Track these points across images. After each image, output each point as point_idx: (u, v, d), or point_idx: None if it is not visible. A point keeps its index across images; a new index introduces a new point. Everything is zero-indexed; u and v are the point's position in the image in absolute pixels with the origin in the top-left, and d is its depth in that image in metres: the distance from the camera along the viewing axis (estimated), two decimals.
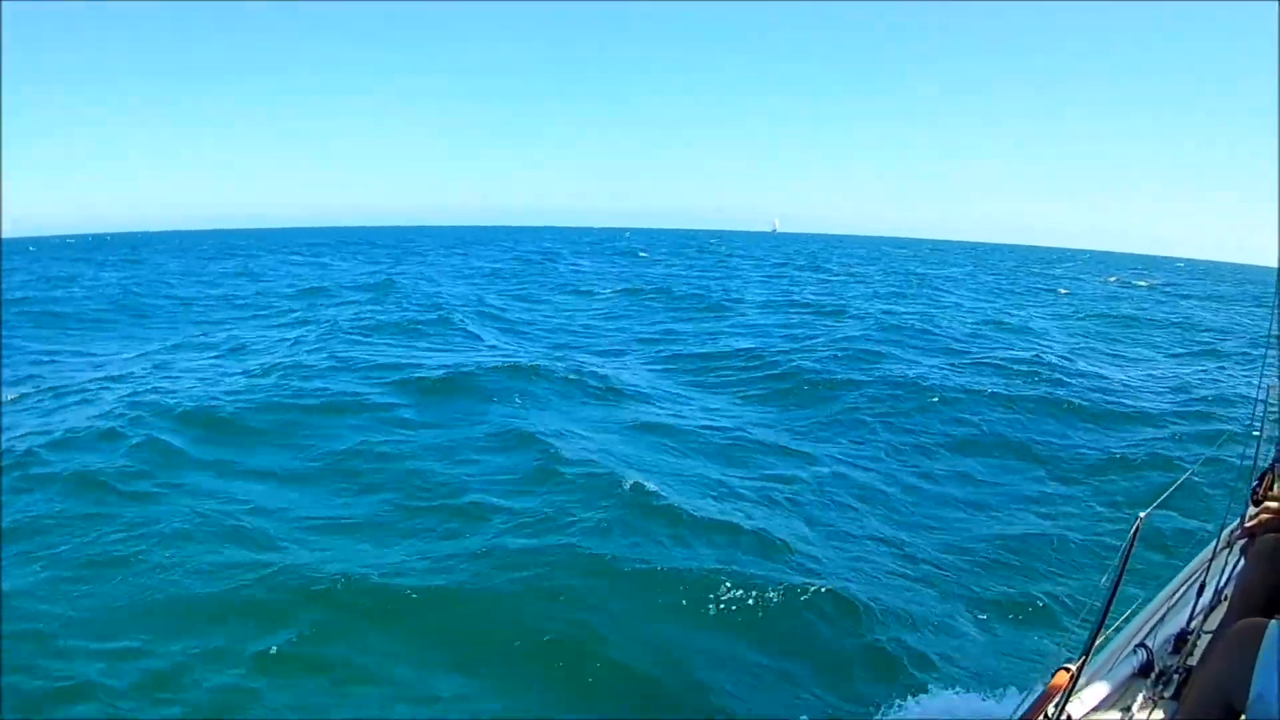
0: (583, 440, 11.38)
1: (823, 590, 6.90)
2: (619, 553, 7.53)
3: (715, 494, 9.48)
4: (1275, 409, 3.41)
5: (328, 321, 22.50)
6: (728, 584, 6.95)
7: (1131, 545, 1.89)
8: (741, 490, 9.63)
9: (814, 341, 20.95)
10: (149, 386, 14.37)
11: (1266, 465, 3.34)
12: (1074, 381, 16.44)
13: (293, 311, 26.67)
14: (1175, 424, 13.73)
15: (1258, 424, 3.27)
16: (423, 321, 22.24)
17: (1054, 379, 16.52)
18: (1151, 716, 2.39)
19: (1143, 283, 49.64)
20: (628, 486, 8.95)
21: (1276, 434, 3.52)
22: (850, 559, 7.91)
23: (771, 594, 6.86)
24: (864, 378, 16.10)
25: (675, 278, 43.86)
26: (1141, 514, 1.93)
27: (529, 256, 63.93)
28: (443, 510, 8.77)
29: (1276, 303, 3.62)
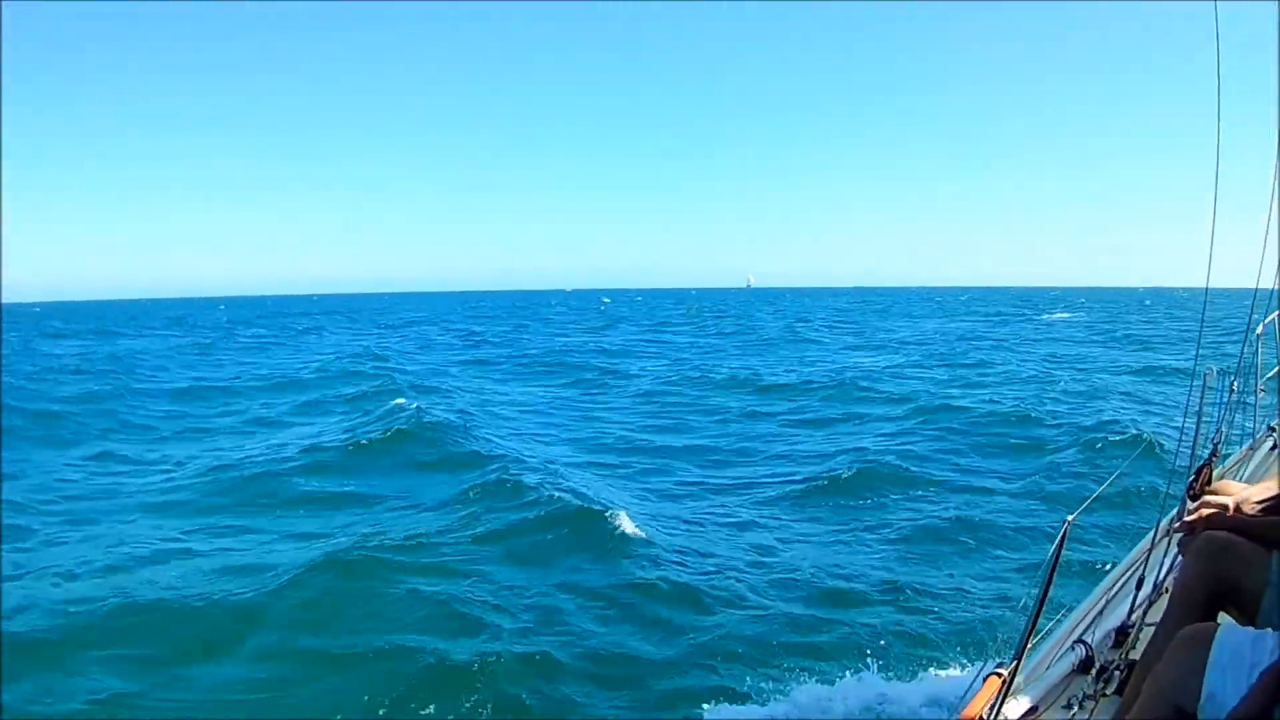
0: None
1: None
2: None
3: None
4: (1211, 400, 3.32)
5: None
6: None
7: (1060, 547, 1.88)
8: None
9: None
10: None
11: (1203, 459, 3.23)
12: None
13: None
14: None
15: (1193, 415, 3.16)
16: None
17: None
18: (1094, 713, 2.33)
19: None
20: None
21: (1212, 426, 3.42)
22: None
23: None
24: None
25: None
26: (1069, 517, 1.94)
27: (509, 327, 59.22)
28: None
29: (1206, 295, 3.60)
